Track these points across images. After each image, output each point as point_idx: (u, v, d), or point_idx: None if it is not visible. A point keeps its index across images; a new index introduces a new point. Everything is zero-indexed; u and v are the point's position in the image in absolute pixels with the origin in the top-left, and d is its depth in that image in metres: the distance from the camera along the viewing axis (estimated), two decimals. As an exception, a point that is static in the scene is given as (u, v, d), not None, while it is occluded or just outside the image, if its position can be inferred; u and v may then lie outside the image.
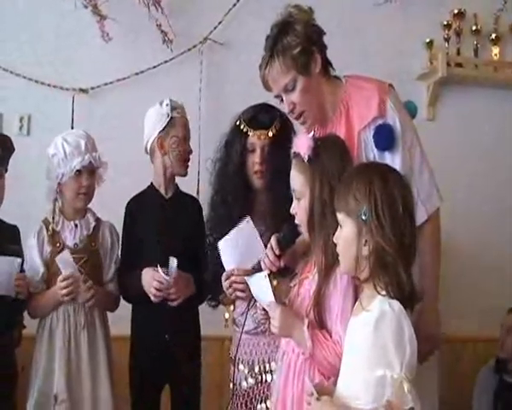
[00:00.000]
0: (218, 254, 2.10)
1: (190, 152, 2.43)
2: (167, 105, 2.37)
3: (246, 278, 1.89)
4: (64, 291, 2.23)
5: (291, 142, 2.13)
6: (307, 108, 2.00)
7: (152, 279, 2.23)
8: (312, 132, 1.87)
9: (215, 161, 2.26)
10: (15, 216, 2.42)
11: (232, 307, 2.26)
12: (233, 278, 2.06)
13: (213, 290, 2.26)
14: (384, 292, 1.50)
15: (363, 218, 1.51)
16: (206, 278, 2.28)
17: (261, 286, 1.80)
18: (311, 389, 1.55)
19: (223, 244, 2.06)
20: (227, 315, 2.27)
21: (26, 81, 3.15)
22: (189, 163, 2.44)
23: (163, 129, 2.36)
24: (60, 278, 2.24)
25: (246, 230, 2.04)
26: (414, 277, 1.57)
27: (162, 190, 2.41)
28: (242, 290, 2.06)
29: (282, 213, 2.00)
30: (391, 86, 2.05)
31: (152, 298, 2.25)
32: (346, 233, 1.57)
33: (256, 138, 2.18)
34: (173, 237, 2.33)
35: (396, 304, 1.48)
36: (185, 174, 2.43)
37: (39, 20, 3.21)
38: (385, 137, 1.94)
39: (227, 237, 2.05)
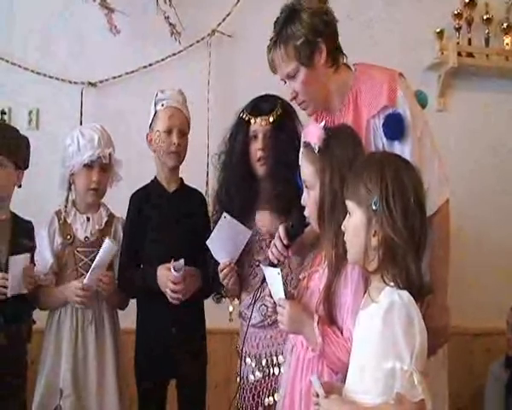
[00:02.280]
0: None
1: (175, 144, 2.34)
2: (153, 100, 2.38)
3: (262, 267, 1.87)
4: (78, 299, 2.24)
5: (294, 127, 2.15)
6: (308, 99, 1.99)
7: (167, 280, 2.22)
8: (323, 122, 1.84)
9: (219, 155, 2.26)
10: (24, 210, 2.41)
11: (237, 301, 2.26)
12: (224, 271, 2.11)
13: (216, 285, 2.26)
14: (392, 283, 1.48)
15: (374, 208, 1.49)
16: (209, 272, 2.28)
17: (274, 280, 1.78)
18: (317, 389, 1.53)
19: (209, 243, 2.12)
20: (231, 308, 2.27)
21: (35, 75, 3.15)
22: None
23: (150, 125, 2.40)
24: (79, 285, 2.23)
25: (226, 225, 2.09)
26: (422, 268, 1.55)
27: (165, 184, 2.40)
28: (234, 283, 2.13)
29: (285, 195, 2.02)
30: (401, 75, 2.02)
31: (170, 299, 2.23)
32: (354, 221, 1.54)
33: (258, 125, 2.17)
34: (177, 231, 2.31)
35: (405, 294, 1.46)
36: (173, 165, 2.38)
37: (47, 14, 3.21)
38: (394, 127, 1.91)
39: (211, 235, 2.11)
